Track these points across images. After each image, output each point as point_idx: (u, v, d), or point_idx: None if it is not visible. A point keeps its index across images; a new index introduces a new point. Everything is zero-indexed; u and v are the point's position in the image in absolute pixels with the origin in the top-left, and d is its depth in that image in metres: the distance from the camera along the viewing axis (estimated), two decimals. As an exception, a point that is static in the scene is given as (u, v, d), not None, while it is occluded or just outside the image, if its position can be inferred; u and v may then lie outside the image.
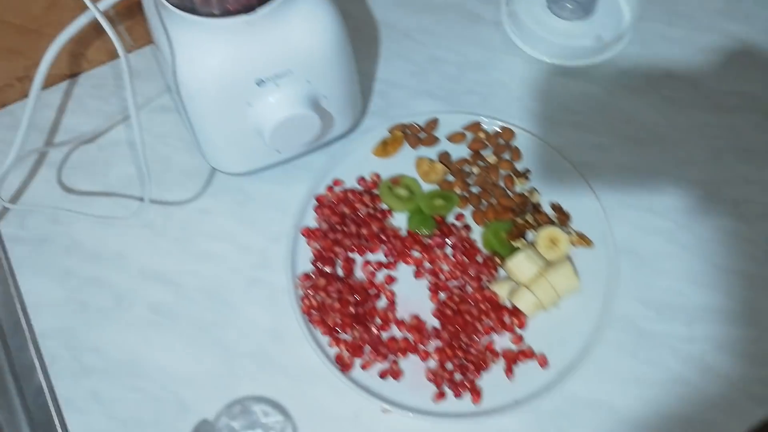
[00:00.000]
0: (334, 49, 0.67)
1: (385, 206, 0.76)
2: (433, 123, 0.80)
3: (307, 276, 0.72)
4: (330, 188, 0.77)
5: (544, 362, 0.67)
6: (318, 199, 0.76)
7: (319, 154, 0.80)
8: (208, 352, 0.70)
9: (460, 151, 0.79)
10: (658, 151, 0.79)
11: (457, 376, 0.67)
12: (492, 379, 0.67)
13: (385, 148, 0.78)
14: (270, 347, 0.70)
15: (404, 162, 0.78)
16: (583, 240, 0.72)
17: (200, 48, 0.62)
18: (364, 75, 0.85)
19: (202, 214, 0.78)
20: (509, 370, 0.67)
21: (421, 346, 0.69)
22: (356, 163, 0.78)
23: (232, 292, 0.73)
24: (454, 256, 0.72)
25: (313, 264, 0.73)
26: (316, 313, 0.70)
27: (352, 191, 0.76)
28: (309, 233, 0.74)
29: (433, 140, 0.79)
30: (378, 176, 0.78)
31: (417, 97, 0.84)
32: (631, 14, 0.85)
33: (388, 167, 0.78)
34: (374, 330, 0.69)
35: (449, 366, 0.68)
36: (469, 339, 0.69)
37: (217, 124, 0.69)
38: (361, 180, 0.77)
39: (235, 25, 0.59)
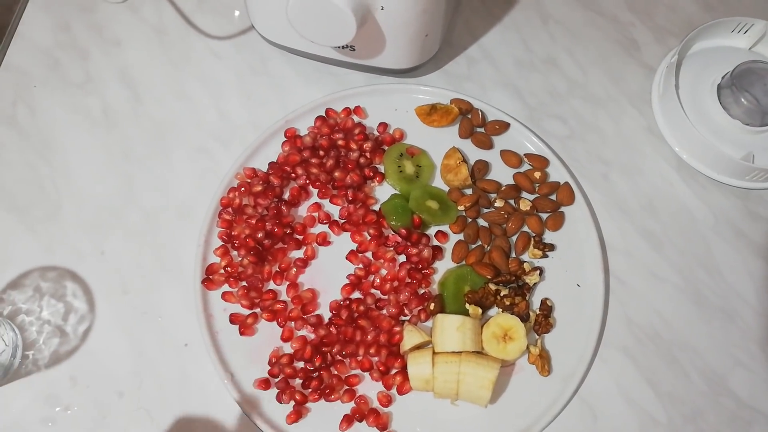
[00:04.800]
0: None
1: (381, 168, 0.62)
2: (502, 127, 0.63)
3: (252, 171, 0.61)
4: (347, 110, 0.64)
5: (389, 443, 0.53)
6: (327, 112, 0.63)
7: (360, 76, 0.66)
8: (115, 182, 0.62)
9: (502, 174, 0.62)
10: (723, 326, 0.58)
11: (296, 382, 0.54)
12: (323, 413, 0.54)
13: (431, 114, 0.63)
14: (161, 214, 0.61)
15: (439, 141, 0.63)
16: (543, 365, 0.54)
17: None
18: (465, 28, 0.69)
19: (212, 56, 0.68)
20: (347, 423, 0.53)
21: (291, 324, 0.56)
22: (392, 106, 0.64)
23: (177, 146, 0.64)
24: (399, 268, 0.58)
25: (268, 167, 0.61)
26: (230, 212, 0.59)
27: (363, 128, 0.63)
28: (291, 137, 0.62)
29: (486, 143, 0.63)
30: (402, 134, 0.63)
31: (502, 88, 0.67)
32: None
33: (419, 135, 0.63)
34: (265, 272, 0.57)
35: (299, 365, 0.55)
36: (340, 357, 0.55)
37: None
38: (382, 126, 0.63)
39: None
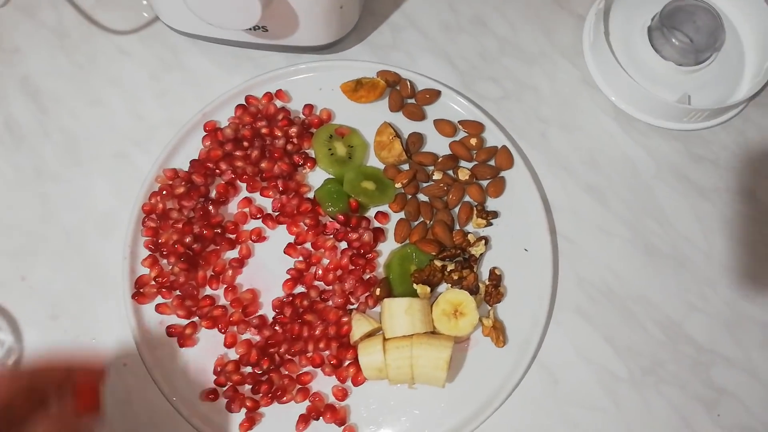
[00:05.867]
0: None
1: (311, 153, 0.59)
2: (433, 95, 0.60)
3: (173, 171, 0.57)
4: (268, 96, 0.60)
5: (348, 438, 0.51)
6: (247, 99, 0.60)
7: (280, 57, 0.63)
8: (29, 202, 0.58)
9: (437, 144, 0.59)
10: (675, 273, 0.57)
11: (245, 388, 0.52)
12: (277, 416, 0.51)
13: (357, 89, 0.60)
14: (83, 230, 0.57)
15: (369, 118, 0.60)
16: (498, 336, 0.53)
17: None
18: None
19: (120, 54, 0.63)
20: (303, 422, 0.51)
21: (234, 329, 0.53)
22: (315, 86, 0.61)
23: (92, 156, 0.59)
24: (341, 255, 0.55)
25: (190, 165, 0.58)
26: (154, 219, 0.55)
27: (286, 113, 0.59)
28: (211, 131, 0.59)
29: (418, 114, 0.60)
30: (330, 115, 0.60)
31: (430, 54, 0.64)
32: (751, 88, 0.60)
33: (348, 113, 0.60)
34: (199, 278, 0.54)
35: (246, 369, 0.52)
36: (289, 356, 0.53)
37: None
38: (308, 108, 0.60)
39: None
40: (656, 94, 0.58)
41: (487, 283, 0.55)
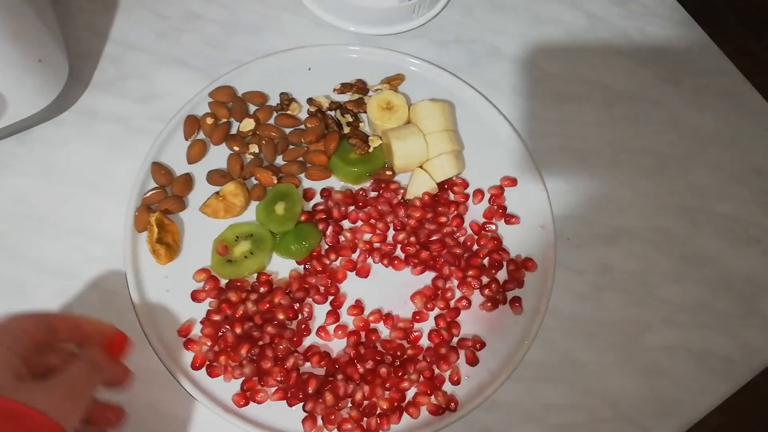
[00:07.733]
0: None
1: (251, 278, 0.54)
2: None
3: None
4: (182, 331, 0.52)
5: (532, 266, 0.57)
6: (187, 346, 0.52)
7: (11, 141, 0.56)
8: None
9: (219, 156, 0.58)
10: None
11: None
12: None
13: (161, 252, 0.52)
14: None
15: (200, 235, 0.55)
16: (395, 78, 0.61)
17: None
18: (83, 28, 0.60)
19: None
20: (519, 305, 0.55)
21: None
22: (162, 285, 0.54)
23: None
24: (363, 215, 0.57)
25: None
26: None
27: (219, 305, 0.53)
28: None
29: (186, 187, 0.56)
30: (214, 279, 0.54)
31: (164, 65, 0.60)
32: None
33: (189, 259, 0.55)
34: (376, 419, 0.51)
35: (484, 279, 0.56)
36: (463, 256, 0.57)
37: None
38: (194, 294, 0.54)
39: None
40: (382, 4, 0.59)
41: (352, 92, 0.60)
